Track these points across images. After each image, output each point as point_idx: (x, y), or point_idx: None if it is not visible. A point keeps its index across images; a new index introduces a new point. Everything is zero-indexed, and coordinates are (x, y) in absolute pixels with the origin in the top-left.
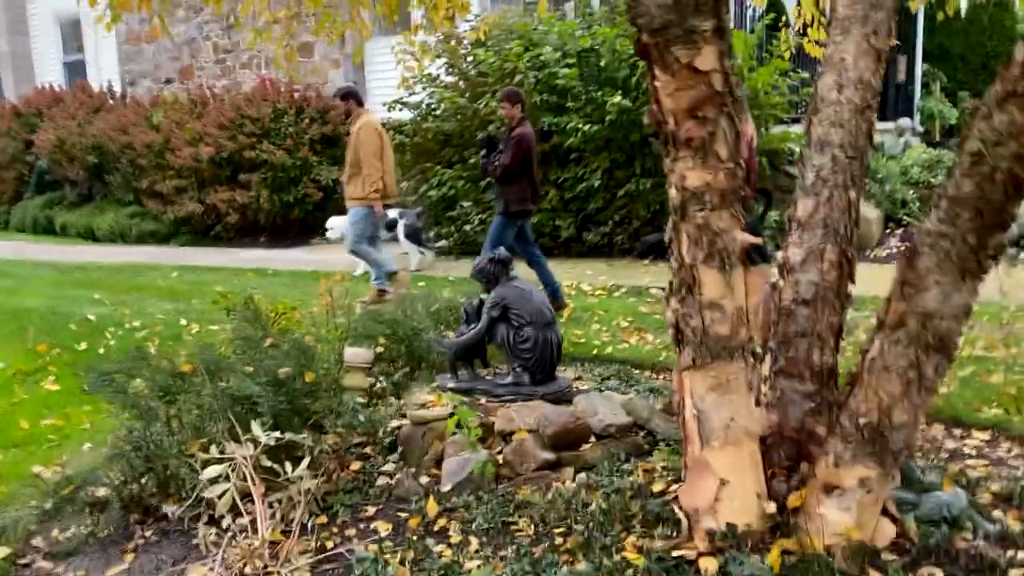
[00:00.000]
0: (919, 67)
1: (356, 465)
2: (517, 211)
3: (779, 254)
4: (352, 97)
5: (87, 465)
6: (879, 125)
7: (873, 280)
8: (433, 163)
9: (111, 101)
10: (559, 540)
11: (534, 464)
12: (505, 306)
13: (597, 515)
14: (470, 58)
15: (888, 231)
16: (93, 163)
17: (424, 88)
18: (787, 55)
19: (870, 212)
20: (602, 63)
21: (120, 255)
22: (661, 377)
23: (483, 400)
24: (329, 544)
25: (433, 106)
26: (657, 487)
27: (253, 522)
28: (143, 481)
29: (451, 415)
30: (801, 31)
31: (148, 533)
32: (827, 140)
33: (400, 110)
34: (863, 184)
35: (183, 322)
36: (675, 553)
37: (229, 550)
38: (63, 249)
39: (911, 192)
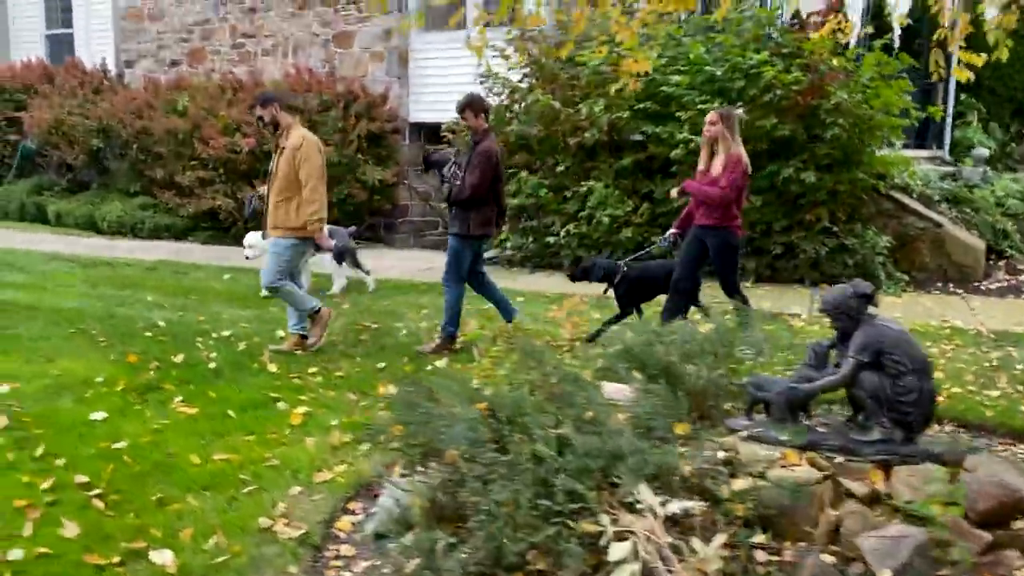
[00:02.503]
0: (952, 96)
1: (719, 538)
2: (480, 234)
3: None
4: (277, 102)
5: (315, 515)
6: (921, 153)
7: (1002, 315)
8: (518, 169)
9: (106, 82)
10: None
11: (976, 547)
12: (879, 350)
13: None
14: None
15: (991, 262)
16: (97, 147)
17: (498, 88)
18: (936, 76)
19: (975, 243)
20: (718, 72)
21: (141, 250)
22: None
23: (839, 458)
24: None
25: (517, 108)
26: None
27: None
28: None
29: (826, 477)
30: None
31: None
32: None
33: None
34: None
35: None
36: None
37: None
38: (70, 241)
39: (1010, 224)
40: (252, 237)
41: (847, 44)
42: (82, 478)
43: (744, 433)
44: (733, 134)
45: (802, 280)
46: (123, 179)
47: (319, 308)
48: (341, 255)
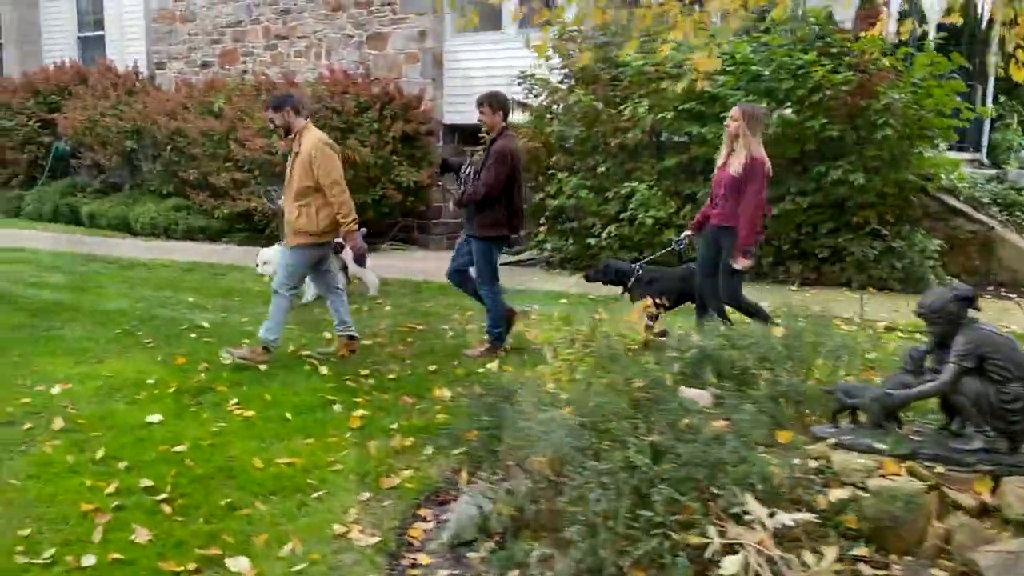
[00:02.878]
0: (990, 97)
1: (832, 551)
2: (493, 236)
3: None
4: (290, 105)
5: (387, 522)
6: (960, 155)
7: None
8: (558, 170)
9: (138, 83)
10: None
11: None
12: (982, 356)
13: None
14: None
15: None
16: (130, 149)
17: (537, 89)
18: (994, 76)
19: None
20: (766, 72)
21: (177, 252)
22: None
23: (939, 468)
24: None
25: (556, 108)
26: None
27: None
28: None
29: (932, 488)
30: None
31: None
32: None
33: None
34: None
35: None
36: None
37: None
38: (105, 242)
39: None
40: (266, 253)
41: (898, 44)
42: (146, 482)
43: (832, 440)
44: (754, 133)
45: (849, 283)
46: (156, 180)
47: (272, 348)
48: (363, 257)
